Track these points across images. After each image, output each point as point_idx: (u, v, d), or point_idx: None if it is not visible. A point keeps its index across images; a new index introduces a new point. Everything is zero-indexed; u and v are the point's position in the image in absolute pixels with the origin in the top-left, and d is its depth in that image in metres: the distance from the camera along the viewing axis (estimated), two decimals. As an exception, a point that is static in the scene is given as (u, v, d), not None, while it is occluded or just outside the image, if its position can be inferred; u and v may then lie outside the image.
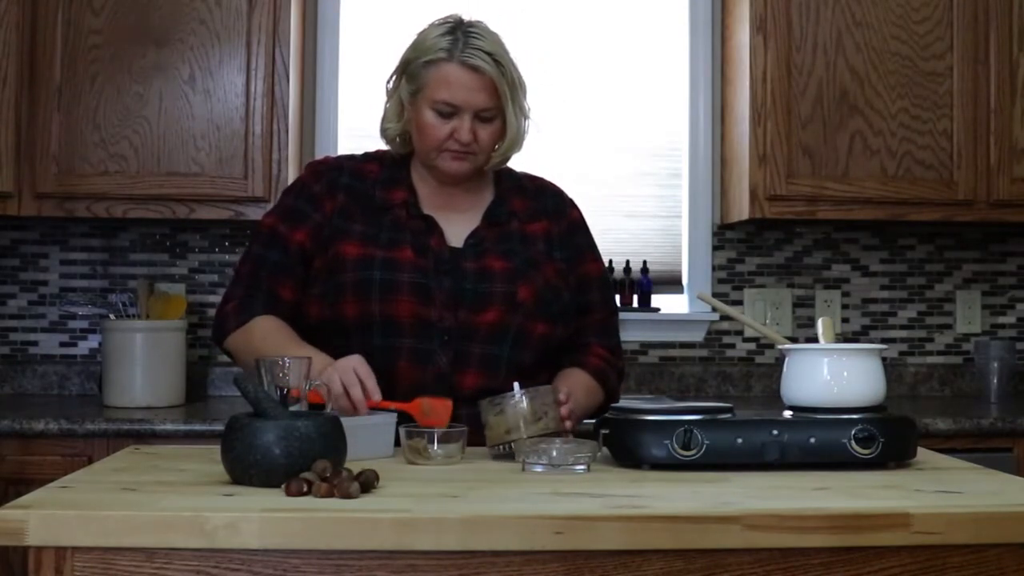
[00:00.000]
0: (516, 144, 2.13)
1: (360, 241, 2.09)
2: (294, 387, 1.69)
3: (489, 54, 2.04)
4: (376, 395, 1.90)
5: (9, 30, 3.04)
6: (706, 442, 1.72)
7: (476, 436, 1.89)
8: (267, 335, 2.08)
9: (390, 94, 2.16)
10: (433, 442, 1.80)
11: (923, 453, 1.91)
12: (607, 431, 1.79)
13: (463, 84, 2.04)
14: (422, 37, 2.10)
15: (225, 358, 3.43)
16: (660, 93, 3.67)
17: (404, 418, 1.92)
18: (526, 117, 2.13)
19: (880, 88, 3.29)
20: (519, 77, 2.09)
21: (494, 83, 2.04)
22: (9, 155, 3.05)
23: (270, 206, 3.00)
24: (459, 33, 2.06)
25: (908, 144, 3.30)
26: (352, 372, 1.90)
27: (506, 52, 2.08)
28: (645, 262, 3.60)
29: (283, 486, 1.50)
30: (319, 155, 3.41)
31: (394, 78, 2.15)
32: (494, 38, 2.08)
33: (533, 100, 2.16)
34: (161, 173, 3.12)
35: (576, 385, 2.10)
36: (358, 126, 3.48)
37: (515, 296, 2.08)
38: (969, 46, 3.31)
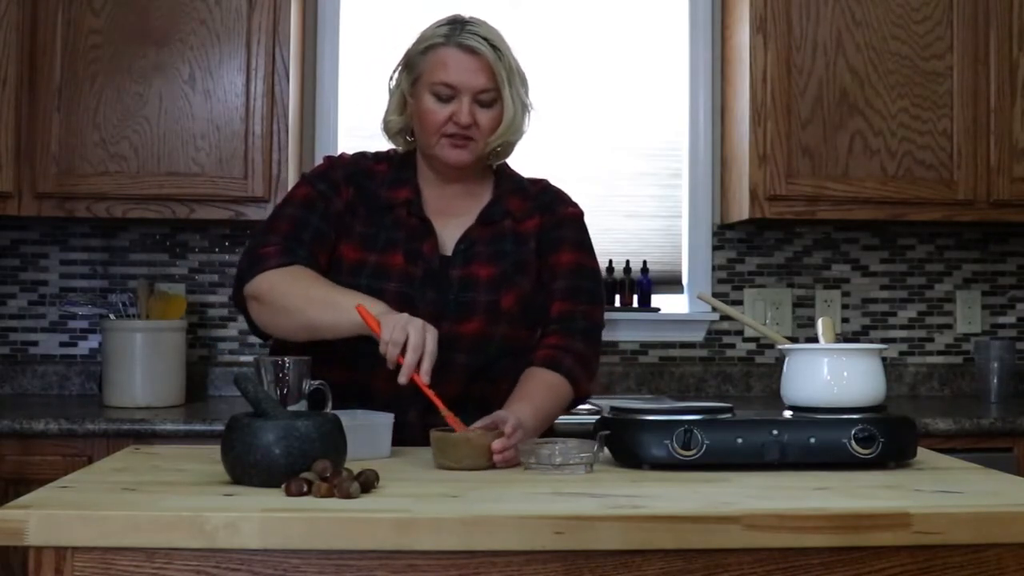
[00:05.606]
0: (513, 129, 2.10)
1: (357, 244, 2.09)
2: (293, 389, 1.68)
3: (485, 39, 2.06)
4: (425, 376, 1.83)
5: (9, 30, 3.04)
6: (706, 442, 1.72)
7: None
8: (317, 279, 2.00)
9: (392, 90, 2.17)
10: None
11: (923, 453, 1.91)
12: (607, 431, 1.79)
13: (460, 65, 2.05)
14: (423, 32, 2.14)
15: (225, 357, 3.46)
16: (660, 93, 3.66)
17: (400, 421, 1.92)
18: (526, 107, 2.12)
19: (880, 88, 3.29)
20: (517, 66, 2.10)
21: (491, 65, 2.05)
22: (9, 155, 3.05)
23: (270, 206, 3.01)
24: (457, 24, 2.10)
25: (908, 144, 3.29)
26: (422, 340, 1.84)
27: (504, 42, 2.10)
28: (645, 262, 3.60)
29: (283, 486, 1.50)
30: (319, 155, 3.40)
31: (396, 73, 2.17)
32: (493, 29, 2.11)
33: (533, 98, 2.16)
34: (161, 173, 3.12)
35: (527, 394, 2.02)
36: (358, 126, 3.48)
37: (498, 305, 2.08)
38: (969, 46, 3.31)
